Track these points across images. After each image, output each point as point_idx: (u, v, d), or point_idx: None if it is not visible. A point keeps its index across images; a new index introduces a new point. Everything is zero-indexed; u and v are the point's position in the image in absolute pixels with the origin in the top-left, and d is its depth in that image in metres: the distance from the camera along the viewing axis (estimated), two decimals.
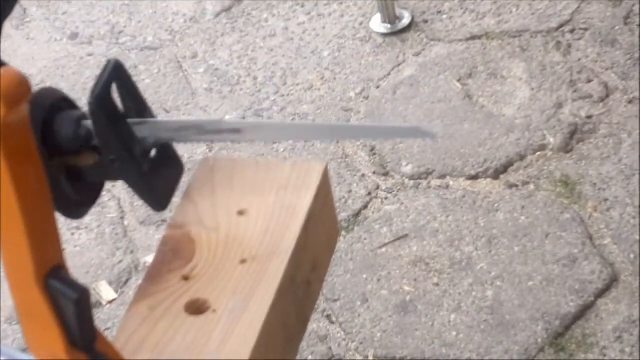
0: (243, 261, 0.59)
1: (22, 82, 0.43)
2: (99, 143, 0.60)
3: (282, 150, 2.05)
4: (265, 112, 2.16)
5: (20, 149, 0.44)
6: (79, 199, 0.62)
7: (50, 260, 0.48)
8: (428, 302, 1.68)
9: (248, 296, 0.56)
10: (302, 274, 0.61)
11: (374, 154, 1.99)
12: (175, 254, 0.59)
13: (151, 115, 0.64)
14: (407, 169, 1.94)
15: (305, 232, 0.60)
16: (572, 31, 2.17)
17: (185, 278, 0.58)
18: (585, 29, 2.16)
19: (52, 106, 0.60)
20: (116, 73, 0.61)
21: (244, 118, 2.17)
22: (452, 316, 1.65)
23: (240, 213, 0.61)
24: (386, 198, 1.90)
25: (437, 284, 1.71)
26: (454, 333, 1.62)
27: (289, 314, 0.60)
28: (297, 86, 2.21)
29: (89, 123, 0.61)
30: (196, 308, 0.56)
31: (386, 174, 1.95)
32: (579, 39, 2.14)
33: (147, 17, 2.53)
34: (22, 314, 0.49)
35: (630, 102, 1.97)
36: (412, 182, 1.92)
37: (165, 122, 0.63)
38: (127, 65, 2.36)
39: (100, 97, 0.59)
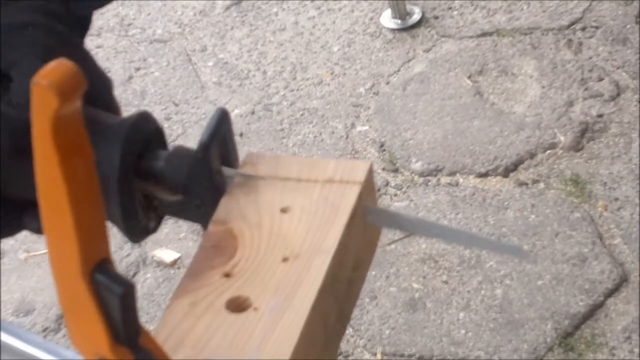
0: (285, 259, 0.58)
1: (76, 75, 0.43)
2: (192, 187, 0.61)
3: (291, 145, 2.05)
4: (274, 106, 2.15)
5: (72, 142, 0.44)
6: (145, 226, 0.62)
7: (97, 254, 0.48)
8: (437, 300, 1.68)
9: (290, 295, 0.56)
10: (344, 273, 0.61)
11: (384, 150, 1.99)
12: (217, 250, 0.59)
13: (238, 162, 0.65)
14: (417, 165, 1.93)
15: (348, 231, 0.60)
16: (583, 29, 2.17)
17: (227, 275, 0.58)
18: (597, 27, 2.16)
19: (150, 133, 0.60)
20: (224, 123, 0.62)
21: (253, 112, 2.16)
22: (461, 314, 1.65)
23: (283, 210, 0.61)
24: (395, 195, 1.89)
25: (446, 282, 1.71)
26: (463, 331, 1.62)
27: (330, 314, 0.60)
28: (306, 81, 2.21)
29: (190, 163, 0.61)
30: (237, 305, 0.56)
31: (395, 171, 1.94)
32: (590, 37, 2.14)
33: (157, 10, 2.52)
34: (66, 307, 0.49)
35: None
36: (421, 179, 1.91)
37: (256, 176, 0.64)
38: (136, 57, 2.37)
39: (207, 146, 0.60)
